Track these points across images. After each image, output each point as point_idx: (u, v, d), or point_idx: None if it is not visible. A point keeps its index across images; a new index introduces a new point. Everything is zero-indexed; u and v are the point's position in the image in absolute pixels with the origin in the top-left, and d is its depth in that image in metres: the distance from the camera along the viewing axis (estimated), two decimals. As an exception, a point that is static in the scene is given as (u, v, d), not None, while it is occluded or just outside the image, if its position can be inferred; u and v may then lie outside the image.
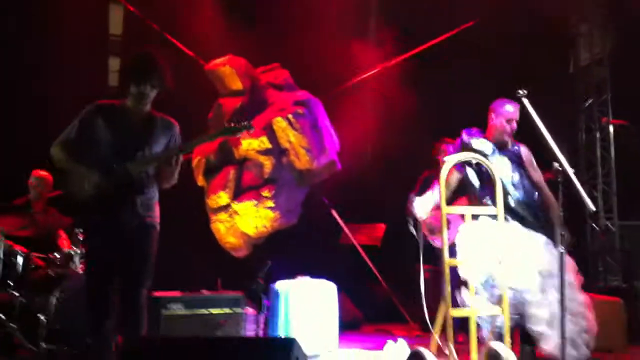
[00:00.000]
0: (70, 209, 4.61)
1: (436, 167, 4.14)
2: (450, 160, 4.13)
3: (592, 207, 3.82)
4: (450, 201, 4.46)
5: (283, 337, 4.76)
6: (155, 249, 3.71)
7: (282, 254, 6.15)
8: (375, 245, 7.52)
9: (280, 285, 5.25)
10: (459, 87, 7.43)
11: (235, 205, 6.10)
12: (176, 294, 5.09)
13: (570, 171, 3.93)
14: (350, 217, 7.53)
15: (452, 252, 4.55)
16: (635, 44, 6.82)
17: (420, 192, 6.05)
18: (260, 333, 5.13)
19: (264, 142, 6.19)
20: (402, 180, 6.78)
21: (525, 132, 4.18)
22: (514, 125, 4.56)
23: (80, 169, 3.63)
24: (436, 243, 5.47)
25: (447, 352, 3.78)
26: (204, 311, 5.05)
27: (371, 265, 7.14)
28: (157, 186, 3.75)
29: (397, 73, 7.63)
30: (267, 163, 6.17)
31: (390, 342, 4.41)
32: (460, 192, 4.57)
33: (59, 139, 3.70)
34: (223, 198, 6.11)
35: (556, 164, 4.00)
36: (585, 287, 6.10)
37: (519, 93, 4.32)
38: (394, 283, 7.27)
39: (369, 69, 7.62)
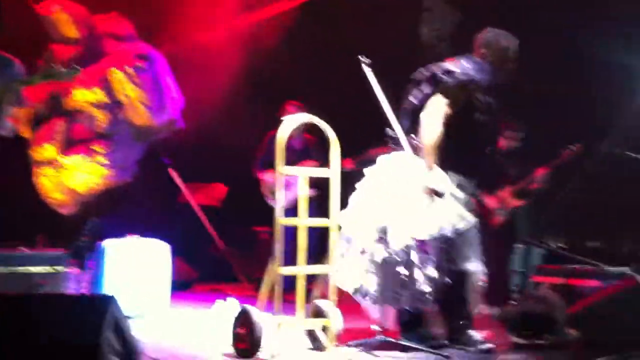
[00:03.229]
0: None
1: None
2: (288, 120, 4.12)
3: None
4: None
5: (100, 294, 4.58)
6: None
7: (114, 213, 5.92)
8: (215, 206, 7.46)
9: (106, 244, 5.04)
10: (307, 53, 7.47)
11: (63, 159, 5.74)
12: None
13: (404, 139, 4.05)
14: (191, 177, 7.39)
15: (289, 213, 4.58)
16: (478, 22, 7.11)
17: (266, 153, 6.07)
18: (84, 292, 4.92)
19: (98, 94, 5.84)
20: (248, 141, 6.77)
21: (367, 100, 4.23)
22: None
23: None
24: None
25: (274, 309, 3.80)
26: (21, 269, 4.74)
27: (207, 225, 7.05)
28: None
29: (249, 32, 7.53)
30: (101, 117, 5.83)
31: (219, 300, 4.38)
32: None
33: None
34: (49, 151, 5.71)
35: (390, 130, 4.12)
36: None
37: (361, 61, 4.36)
38: (232, 244, 7.25)
39: (219, 25, 7.44)
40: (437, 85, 4.11)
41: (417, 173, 4.00)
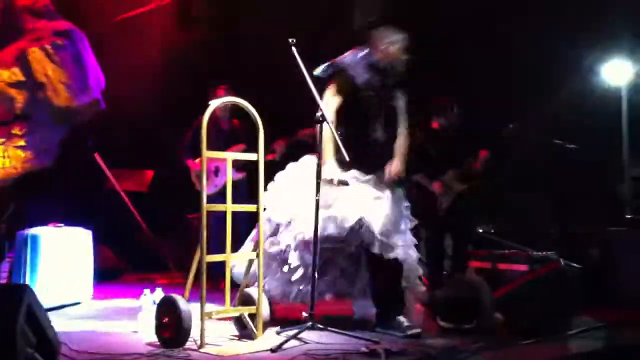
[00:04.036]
0: None
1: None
2: (214, 104, 4.01)
3: (347, 157, 3.92)
4: None
5: (15, 284, 4.38)
6: None
7: (34, 199, 5.69)
8: (142, 192, 7.25)
9: (27, 232, 4.81)
10: (236, 35, 7.33)
11: (-22, 143, 5.46)
12: None
13: (330, 120, 4.01)
14: (119, 162, 7.16)
15: (218, 199, 4.48)
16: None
17: (193, 138, 5.92)
18: (3, 282, 4.69)
19: (15, 74, 5.58)
20: (176, 125, 6.59)
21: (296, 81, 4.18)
22: None
23: None
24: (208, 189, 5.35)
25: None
26: None
27: (135, 212, 6.86)
28: None
29: (177, 10, 7.33)
30: (19, 97, 5.58)
31: (147, 290, 4.24)
32: None
33: None
34: (-36, 134, 5.44)
35: (318, 114, 4.06)
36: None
37: (289, 41, 4.32)
38: (161, 231, 7.08)
39: (147, 3, 7.22)
40: (328, 76, 4.28)
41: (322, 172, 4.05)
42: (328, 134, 4.00)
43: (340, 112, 4.24)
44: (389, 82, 4.33)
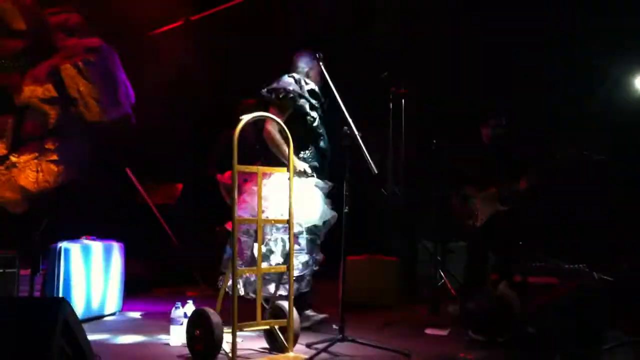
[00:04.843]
0: None
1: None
2: (245, 119, 4.04)
3: (375, 170, 3.95)
4: None
5: (51, 297, 4.43)
6: None
7: (67, 212, 5.76)
8: (171, 204, 7.31)
9: (59, 245, 4.88)
10: (261, 48, 7.39)
11: (14, 158, 5.55)
12: None
13: (358, 134, 4.03)
14: (148, 176, 7.23)
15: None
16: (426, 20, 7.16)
17: (218, 152, 5.96)
18: (36, 295, 4.75)
19: (49, 90, 5.68)
20: (203, 139, 6.65)
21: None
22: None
23: None
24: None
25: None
26: (-31, 271, 4.55)
27: (165, 226, 6.92)
28: None
29: (202, 28, 7.41)
30: (52, 113, 5.68)
31: (178, 304, 4.28)
32: None
33: None
34: (-2, 148, 5.54)
35: (345, 128, 4.09)
36: (369, 248, 6.43)
37: (316, 56, 4.41)
38: (190, 244, 7.12)
39: (173, 21, 7.30)
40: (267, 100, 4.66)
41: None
42: (277, 137, 4.42)
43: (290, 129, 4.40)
44: (324, 100, 4.71)
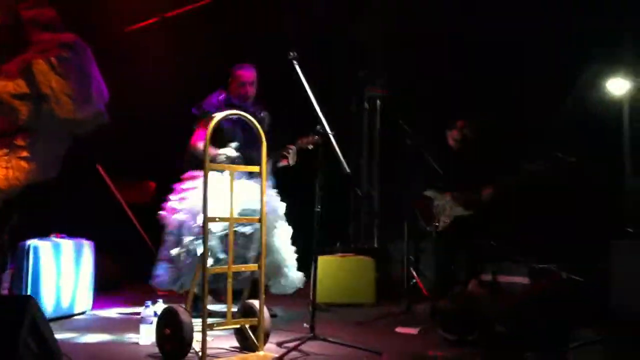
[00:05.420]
0: None
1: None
2: (217, 117, 4.03)
3: (347, 170, 3.96)
4: None
5: (18, 295, 4.38)
6: None
7: (37, 210, 5.69)
8: (145, 202, 7.26)
9: (28, 243, 4.82)
10: (238, 45, 7.37)
11: (-19, 154, 5.46)
12: None
13: (330, 134, 4.03)
14: (120, 174, 7.17)
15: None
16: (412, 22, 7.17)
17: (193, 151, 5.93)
18: (4, 293, 4.69)
19: (20, 86, 5.55)
20: (176, 137, 6.60)
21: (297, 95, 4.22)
22: (248, 88, 5.09)
23: None
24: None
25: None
26: None
27: (137, 224, 6.87)
28: None
29: (180, 25, 7.36)
30: (23, 109, 5.54)
31: (148, 303, 4.25)
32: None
33: None
34: (-33, 145, 5.43)
35: (318, 126, 4.09)
36: (343, 247, 6.46)
37: (289, 55, 4.39)
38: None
39: (150, 17, 7.24)
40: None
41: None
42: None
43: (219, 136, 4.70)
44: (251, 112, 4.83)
